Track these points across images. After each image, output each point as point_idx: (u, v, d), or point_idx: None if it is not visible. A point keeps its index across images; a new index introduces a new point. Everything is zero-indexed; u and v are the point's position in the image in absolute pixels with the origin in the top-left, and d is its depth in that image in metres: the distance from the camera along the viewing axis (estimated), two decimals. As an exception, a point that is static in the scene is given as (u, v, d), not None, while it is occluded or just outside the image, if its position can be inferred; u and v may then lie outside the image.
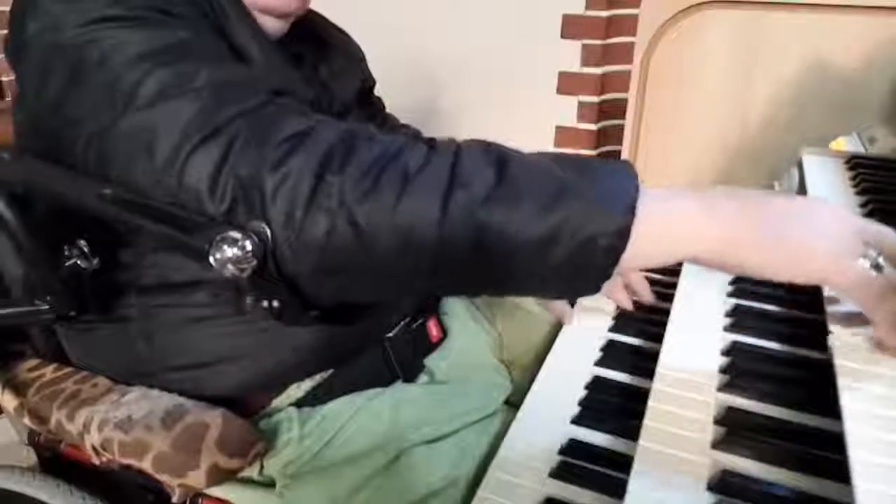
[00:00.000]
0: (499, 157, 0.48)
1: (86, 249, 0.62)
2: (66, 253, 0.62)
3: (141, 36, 0.54)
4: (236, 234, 0.48)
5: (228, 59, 0.60)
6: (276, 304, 0.52)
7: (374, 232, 0.46)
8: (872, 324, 0.48)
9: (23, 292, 0.66)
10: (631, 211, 0.45)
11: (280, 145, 0.49)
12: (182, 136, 0.50)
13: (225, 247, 0.48)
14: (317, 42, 0.81)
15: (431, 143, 0.51)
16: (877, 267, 0.47)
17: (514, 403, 0.75)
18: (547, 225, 0.45)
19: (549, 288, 0.50)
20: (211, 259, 0.49)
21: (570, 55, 1.73)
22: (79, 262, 0.62)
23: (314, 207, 0.47)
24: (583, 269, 0.46)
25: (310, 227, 0.47)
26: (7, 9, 0.60)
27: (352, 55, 0.88)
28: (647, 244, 0.46)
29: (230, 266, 0.49)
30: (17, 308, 0.67)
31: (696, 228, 0.47)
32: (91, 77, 0.54)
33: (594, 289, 0.48)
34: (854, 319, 0.52)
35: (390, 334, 0.75)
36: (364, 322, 0.70)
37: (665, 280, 0.79)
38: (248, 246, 0.48)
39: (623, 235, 0.45)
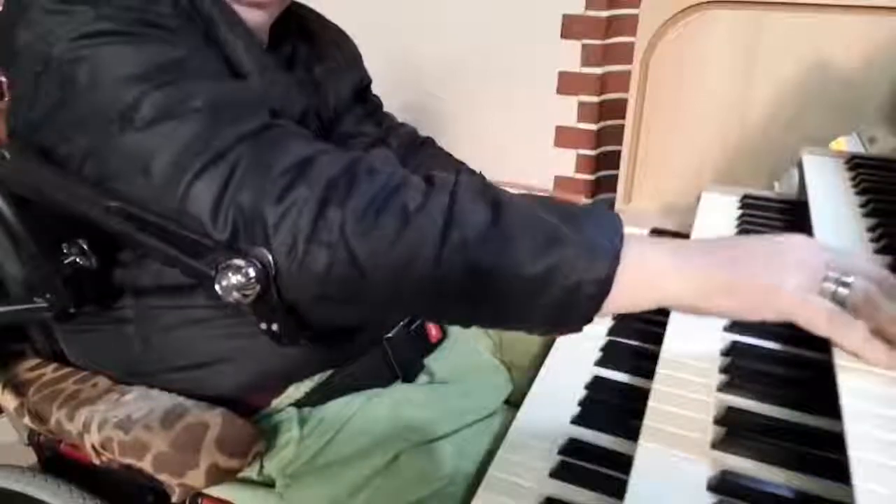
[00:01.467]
0: (494, 200, 0.50)
1: (85, 247, 0.62)
2: (66, 251, 0.62)
3: (134, 53, 0.54)
4: (240, 262, 0.49)
5: (223, 75, 0.60)
6: (274, 327, 0.54)
7: (373, 266, 0.48)
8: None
9: (22, 289, 0.66)
10: (615, 261, 0.47)
11: (282, 176, 0.50)
12: (181, 159, 0.51)
13: (230, 274, 0.50)
14: (311, 40, 0.81)
15: (429, 178, 0.52)
16: (843, 284, 0.47)
17: (514, 403, 0.75)
18: (538, 269, 0.47)
19: (536, 326, 0.52)
20: (216, 286, 0.50)
21: (570, 55, 1.73)
22: (78, 259, 0.62)
23: (315, 241, 0.49)
24: (568, 312, 0.49)
25: (311, 260, 0.49)
26: (3, 10, 0.60)
27: (347, 53, 0.88)
28: (625, 292, 0.48)
29: (235, 293, 0.50)
30: (16, 305, 0.67)
31: (669, 280, 0.49)
32: (82, 96, 0.54)
33: (578, 329, 0.51)
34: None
35: (390, 335, 0.75)
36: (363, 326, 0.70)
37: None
38: (252, 273, 0.49)
39: (607, 283, 0.47)
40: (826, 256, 0.49)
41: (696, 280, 0.49)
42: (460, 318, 0.54)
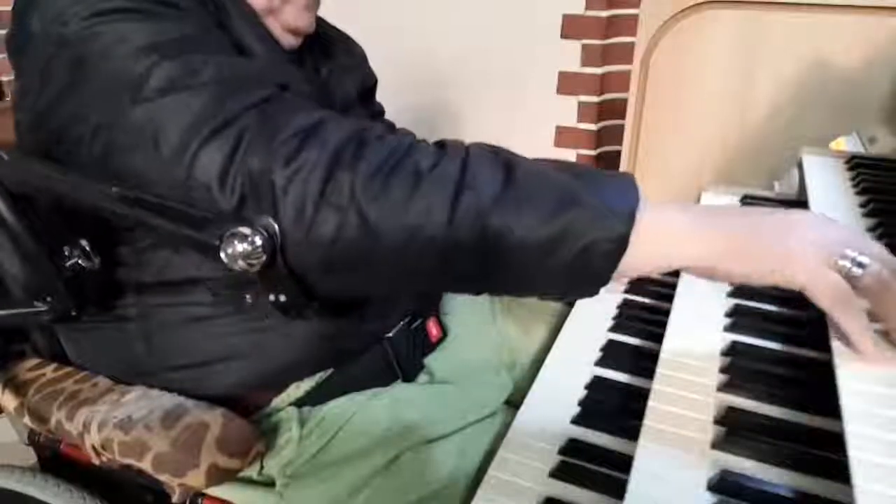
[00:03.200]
0: (506, 162, 0.49)
1: (87, 248, 0.62)
2: (67, 253, 0.62)
3: (145, 28, 0.54)
4: (246, 230, 0.49)
5: (232, 53, 0.60)
6: (282, 297, 0.53)
7: (383, 229, 0.47)
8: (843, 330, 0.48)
9: (23, 293, 0.66)
10: (631, 219, 0.47)
11: (290, 140, 0.49)
12: (190, 129, 0.51)
13: (235, 242, 0.49)
14: (317, 42, 0.81)
15: (440, 143, 0.51)
16: (859, 265, 0.47)
17: (514, 403, 0.75)
18: (552, 229, 0.46)
19: (550, 289, 0.51)
20: (222, 254, 0.50)
21: (570, 55, 1.72)
22: (80, 261, 0.62)
23: (324, 203, 0.48)
24: (583, 273, 0.48)
25: (320, 222, 0.48)
26: (8, 8, 0.60)
27: (353, 55, 0.88)
28: (641, 253, 0.48)
29: (240, 261, 0.49)
30: (16, 309, 0.67)
31: (686, 241, 0.49)
32: (95, 70, 0.54)
33: (593, 292, 0.50)
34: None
35: (390, 334, 0.75)
36: (364, 321, 0.70)
37: (665, 280, 0.79)
38: (258, 241, 0.49)
39: (622, 242, 0.47)
40: (846, 234, 0.49)
41: (713, 242, 0.48)
42: (471, 283, 0.52)
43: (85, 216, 0.59)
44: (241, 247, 0.49)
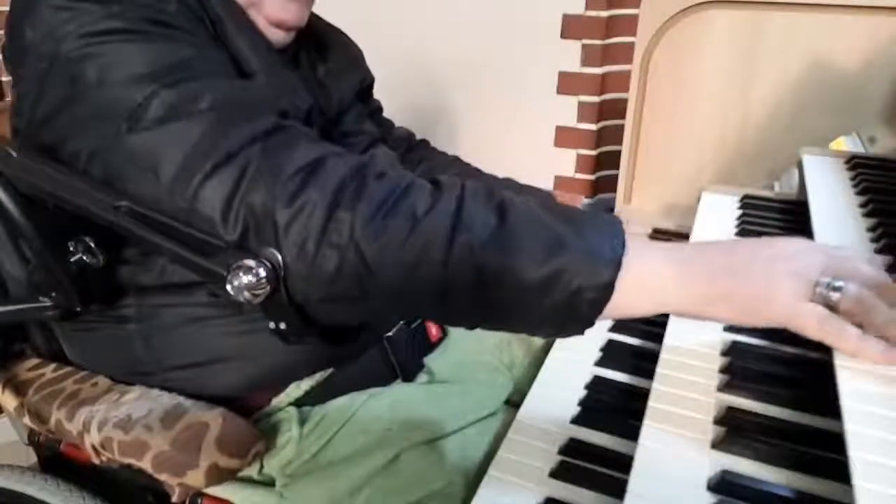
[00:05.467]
0: (499, 204, 0.51)
1: (92, 245, 0.62)
2: (72, 249, 0.62)
3: (142, 52, 0.54)
4: (251, 262, 0.50)
5: (231, 75, 0.60)
6: (282, 325, 0.55)
7: (382, 267, 0.49)
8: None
9: (26, 288, 0.66)
10: (616, 267, 0.48)
11: (292, 178, 0.51)
12: (190, 159, 0.51)
13: (241, 274, 0.50)
14: (313, 41, 0.81)
15: (436, 182, 0.53)
16: (834, 289, 0.48)
17: (514, 403, 0.75)
18: (542, 273, 0.48)
19: (539, 328, 0.53)
20: (228, 286, 0.51)
21: (570, 55, 1.72)
22: (85, 257, 0.62)
23: (325, 242, 0.49)
24: (570, 316, 0.50)
25: (321, 260, 0.50)
26: (6, 9, 0.60)
27: (350, 53, 0.88)
28: (626, 298, 0.49)
29: (245, 293, 0.51)
30: (20, 305, 0.67)
31: (671, 289, 0.50)
32: (89, 94, 0.54)
33: (580, 333, 0.52)
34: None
35: (390, 333, 0.75)
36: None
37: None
38: (262, 273, 0.50)
39: (608, 289, 0.48)
40: (821, 259, 0.50)
41: (694, 288, 0.50)
42: (464, 319, 0.54)
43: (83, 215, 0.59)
44: (245, 279, 0.50)
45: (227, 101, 0.54)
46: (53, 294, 0.64)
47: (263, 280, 0.50)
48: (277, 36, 0.71)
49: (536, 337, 0.54)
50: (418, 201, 0.50)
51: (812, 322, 0.48)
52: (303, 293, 0.52)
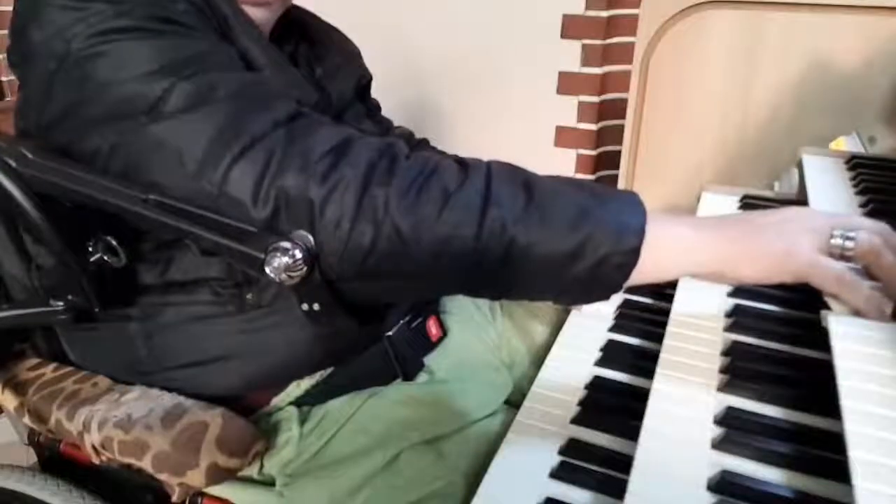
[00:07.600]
0: (525, 180, 0.53)
1: (114, 244, 0.61)
2: (91, 249, 0.62)
3: (153, 48, 0.55)
4: (287, 244, 0.51)
5: (241, 68, 0.61)
6: (315, 306, 0.55)
7: (416, 241, 0.50)
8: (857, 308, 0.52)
9: (31, 291, 0.65)
10: (642, 233, 0.51)
11: (322, 158, 0.52)
12: (215, 145, 0.52)
13: (279, 255, 0.51)
14: (311, 41, 0.81)
15: (461, 162, 0.55)
16: (848, 238, 0.52)
17: (514, 403, 0.75)
18: (570, 243, 0.50)
19: (567, 296, 0.55)
20: (267, 268, 0.51)
21: (570, 55, 1.72)
22: (105, 257, 0.62)
23: (361, 217, 0.50)
24: (598, 282, 0.52)
25: (357, 235, 0.51)
26: (8, 9, 0.60)
27: (348, 52, 0.88)
28: (652, 263, 0.52)
29: (282, 274, 0.51)
30: (29, 309, 0.66)
31: (694, 249, 0.53)
32: (104, 92, 0.54)
33: (606, 298, 0.54)
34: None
35: (390, 333, 0.75)
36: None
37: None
38: (298, 254, 0.51)
39: (634, 254, 0.50)
40: (827, 218, 0.54)
41: (719, 249, 0.53)
42: (490, 290, 0.56)
43: (105, 214, 0.58)
44: (283, 260, 0.51)
45: (245, 90, 0.55)
46: (69, 297, 0.63)
47: (300, 261, 0.51)
48: (260, 15, 0.70)
49: (561, 304, 0.57)
50: (449, 179, 0.52)
51: (830, 275, 0.51)
52: (337, 271, 0.53)
